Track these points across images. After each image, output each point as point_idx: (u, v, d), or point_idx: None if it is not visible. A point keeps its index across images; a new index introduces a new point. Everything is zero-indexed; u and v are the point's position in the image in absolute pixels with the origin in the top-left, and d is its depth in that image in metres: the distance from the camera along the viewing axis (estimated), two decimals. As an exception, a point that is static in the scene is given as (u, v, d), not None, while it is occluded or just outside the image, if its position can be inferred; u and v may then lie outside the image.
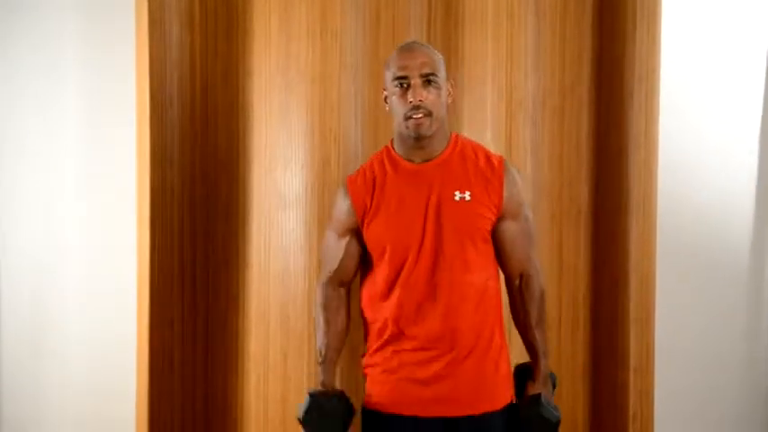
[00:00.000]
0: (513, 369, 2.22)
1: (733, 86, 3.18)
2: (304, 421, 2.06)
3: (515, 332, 2.25)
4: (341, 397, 2.10)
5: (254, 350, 2.75)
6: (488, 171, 2.08)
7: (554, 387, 2.25)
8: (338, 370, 2.67)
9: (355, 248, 2.15)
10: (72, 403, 2.98)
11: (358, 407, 2.18)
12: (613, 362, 2.86)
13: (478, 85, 2.74)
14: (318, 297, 2.20)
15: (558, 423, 2.12)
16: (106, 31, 2.90)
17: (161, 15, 2.65)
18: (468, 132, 2.72)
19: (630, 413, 2.83)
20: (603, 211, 2.88)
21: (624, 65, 2.80)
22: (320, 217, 2.66)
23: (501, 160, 2.12)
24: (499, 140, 2.76)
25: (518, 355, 2.67)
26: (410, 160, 2.10)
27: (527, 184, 2.81)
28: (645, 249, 2.82)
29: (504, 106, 2.76)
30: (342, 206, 2.16)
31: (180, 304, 2.76)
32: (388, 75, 2.06)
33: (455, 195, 2.05)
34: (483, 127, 2.75)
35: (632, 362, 2.82)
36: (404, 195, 2.07)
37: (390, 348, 2.09)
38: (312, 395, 2.08)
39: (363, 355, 2.19)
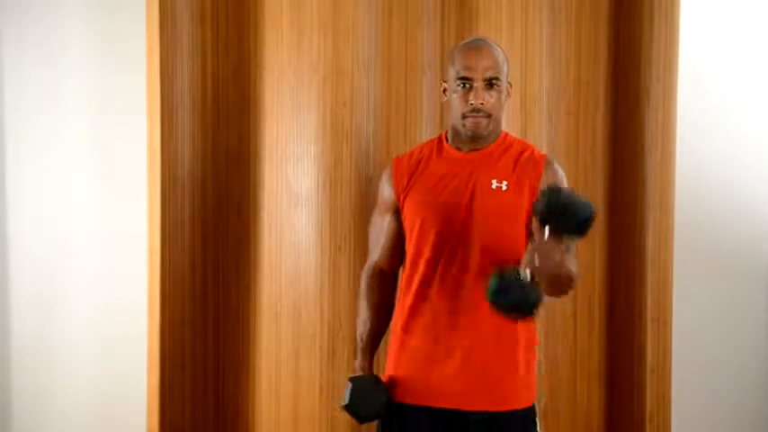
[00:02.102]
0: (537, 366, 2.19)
1: (753, 82, 3.16)
2: (349, 406, 2.09)
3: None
4: (378, 379, 2.13)
5: (265, 349, 2.73)
6: (529, 165, 2.10)
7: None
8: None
9: (395, 228, 2.19)
10: (82, 402, 2.96)
11: None
12: (630, 362, 2.84)
13: (493, 80, 2.72)
14: (361, 284, 2.26)
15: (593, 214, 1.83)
16: (116, 25, 2.89)
17: (172, 9, 2.64)
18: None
19: (648, 415, 2.80)
20: (619, 209, 2.86)
21: (641, 59, 2.77)
22: (332, 215, 2.64)
23: (543, 156, 2.14)
24: (514, 135, 2.72)
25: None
26: (458, 149, 2.14)
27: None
28: (662, 248, 2.80)
29: (518, 101, 2.73)
30: (384, 184, 2.22)
31: (191, 303, 2.74)
32: (452, 71, 2.09)
33: (492, 183, 2.07)
34: (497, 122, 2.72)
35: (649, 362, 2.80)
36: (443, 176, 2.10)
37: (412, 333, 2.09)
38: (352, 380, 2.12)
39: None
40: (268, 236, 2.72)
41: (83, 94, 2.92)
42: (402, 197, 2.15)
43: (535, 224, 1.84)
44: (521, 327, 2.07)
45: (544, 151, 2.76)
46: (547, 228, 1.81)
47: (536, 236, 1.84)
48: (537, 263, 1.83)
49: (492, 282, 1.88)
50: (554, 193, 1.82)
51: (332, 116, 2.62)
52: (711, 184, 3.12)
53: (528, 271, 1.85)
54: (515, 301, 1.86)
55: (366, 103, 2.66)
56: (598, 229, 2.86)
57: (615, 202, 2.86)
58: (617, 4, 2.82)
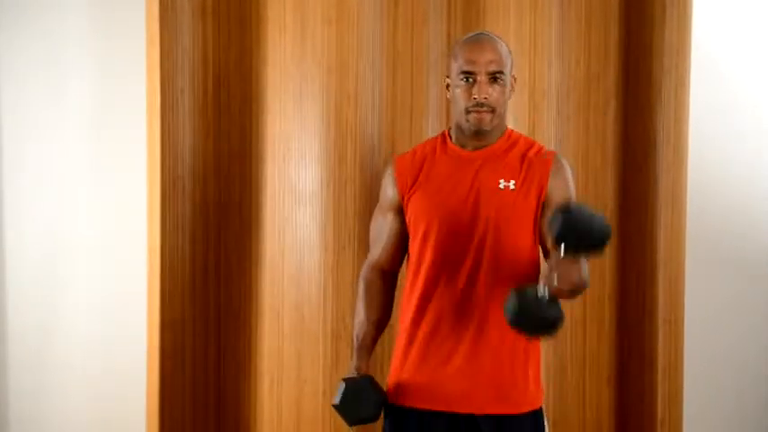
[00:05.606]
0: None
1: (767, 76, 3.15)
2: (339, 406, 2.05)
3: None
4: (372, 381, 2.08)
5: (267, 351, 2.71)
6: (537, 161, 2.08)
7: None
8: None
9: (397, 228, 2.17)
10: (81, 402, 2.96)
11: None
12: (641, 363, 2.83)
13: (501, 75, 2.69)
14: (360, 282, 2.24)
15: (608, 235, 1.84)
16: (116, 19, 2.90)
17: (172, 2, 2.63)
18: (489, 124, 2.68)
19: (659, 417, 2.79)
20: (630, 207, 2.84)
21: (653, 55, 2.76)
22: (336, 213, 2.63)
23: (552, 153, 2.13)
24: (522, 132, 2.69)
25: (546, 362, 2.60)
26: (462, 146, 2.12)
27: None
28: (674, 247, 2.78)
29: (527, 97, 2.72)
30: (387, 182, 2.19)
31: (191, 303, 2.73)
32: (455, 66, 2.08)
33: (500, 183, 2.05)
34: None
35: (660, 363, 2.79)
36: (449, 177, 2.09)
37: (417, 336, 2.07)
38: (346, 381, 2.07)
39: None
40: (270, 234, 2.70)
41: (82, 91, 2.93)
42: (406, 198, 2.13)
43: (550, 242, 1.87)
44: None
45: (553, 148, 2.75)
46: (563, 245, 1.82)
47: (552, 254, 1.90)
48: (556, 282, 1.87)
49: (512, 302, 1.89)
50: (570, 211, 1.83)
51: (336, 112, 2.61)
52: (724, 182, 3.12)
53: (547, 289, 1.88)
54: (537, 321, 1.89)
55: (371, 98, 2.65)
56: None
57: (626, 201, 2.84)
58: (628, -4, 2.82)
